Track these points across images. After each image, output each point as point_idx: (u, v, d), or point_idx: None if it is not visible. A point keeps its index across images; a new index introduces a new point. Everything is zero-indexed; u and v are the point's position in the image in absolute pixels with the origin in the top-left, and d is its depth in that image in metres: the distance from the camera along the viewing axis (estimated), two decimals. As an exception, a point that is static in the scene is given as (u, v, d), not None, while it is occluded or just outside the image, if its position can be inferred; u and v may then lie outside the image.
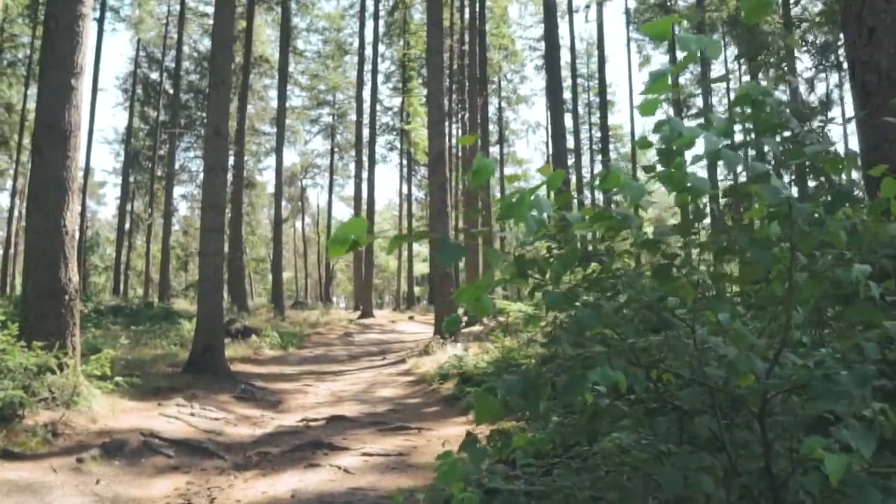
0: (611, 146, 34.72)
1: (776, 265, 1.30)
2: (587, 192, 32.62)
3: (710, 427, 1.33)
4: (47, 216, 6.87)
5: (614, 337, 1.30)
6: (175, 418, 7.03)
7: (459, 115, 28.88)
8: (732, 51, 34.16)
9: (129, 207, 33.85)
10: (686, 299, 1.31)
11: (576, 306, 1.28)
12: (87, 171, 31.18)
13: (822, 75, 17.24)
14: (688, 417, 1.38)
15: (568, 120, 28.84)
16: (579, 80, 34.84)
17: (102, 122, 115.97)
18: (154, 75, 34.60)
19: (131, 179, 33.60)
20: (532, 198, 1.22)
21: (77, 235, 7.52)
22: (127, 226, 33.53)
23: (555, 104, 15.53)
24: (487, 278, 1.33)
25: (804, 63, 28.33)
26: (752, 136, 1.33)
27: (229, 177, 29.11)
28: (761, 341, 1.34)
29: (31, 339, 6.35)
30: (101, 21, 29.94)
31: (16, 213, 31.41)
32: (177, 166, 33.22)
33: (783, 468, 1.28)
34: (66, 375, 6.35)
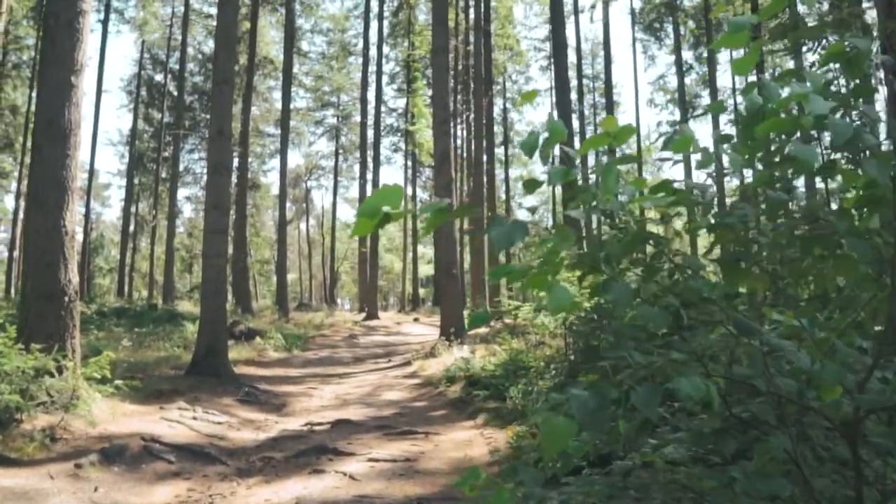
0: (617, 147, 34.42)
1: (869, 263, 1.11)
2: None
3: (784, 448, 1.14)
4: (46, 215, 6.73)
5: (681, 340, 1.11)
6: (177, 422, 6.87)
7: (464, 116, 28.74)
8: (739, 51, 33.96)
9: (133, 209, 33.81)
10: (759, 293, 1.13)
11: (639, 303, 1.08)
12: (92, 172, 31.18)
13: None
14: (759, 434, 1.19)
15: (573, 120, 28.66)
16: (584, 81, 34.68)
17: (107, 124, 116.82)
18: (158, 77, 34.61)
19: (136, 181, 33.58)
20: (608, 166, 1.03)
21: (77, 236, 7.38)
22: (131, 228, 33.51)
23: (562, 103, 15.34)
24: (557, 260, 1.13)
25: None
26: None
27: (233, 178, 29.14)
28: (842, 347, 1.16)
29: (29, 341, 6.20)
30: (105, 23, 29.95)
31: (20, 216, 31.37)
32: (181, 168, 33.19)
33: (869, 496, 1.11)
34: (66, 378, 6.19)
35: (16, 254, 32.02)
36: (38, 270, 6.66)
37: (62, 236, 6.75)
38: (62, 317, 6.66)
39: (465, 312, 17.70)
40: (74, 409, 6.10)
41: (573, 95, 30.95)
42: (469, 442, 6.48)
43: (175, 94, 31.36)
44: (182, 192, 36.37)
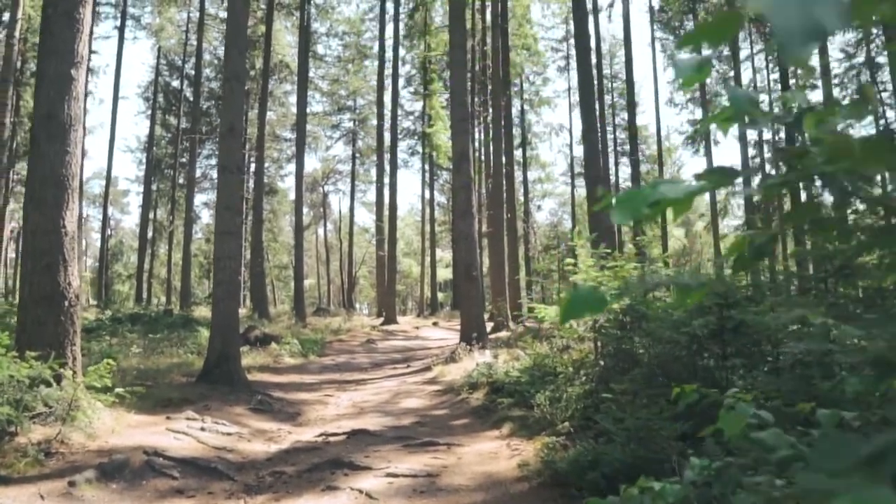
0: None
1: None
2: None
3: None
4: (45, 215, 6.36)
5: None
6: (183, 434, 6.46)
7: (482, 118, 28.28)
8: (758, 47, 33.13)
9: (151, 215, 33.76)
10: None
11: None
12: (109, 178, 31.19)
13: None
14: None
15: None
16: (604, 82, 34.07)
17: (125, 130, 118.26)
18: (175, 83, 34.62)
19: (153, 187, 33.55)
20: None
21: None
22: (149, 234, 33.44)
23: (585, 98, 14.74)
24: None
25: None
26: None
27: (250, 183, 28.96)
28: None
29: (26, 348, 5.82)
30: (121, 29, 29.99)
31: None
32: (198, 173, 33.10)
33: None
34: (64, 388, 5.81)
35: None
36: (36, 273, 6.28)
37: (61, 237, 6.38)
38: (61, 322, 6.28)
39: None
40: (73, 420, 5.70)
41: (593, 94, 30.33)
42: (495, 454, 6.00)
43: (191, 99, 31.29)
44: (199, 198, 36.32)
